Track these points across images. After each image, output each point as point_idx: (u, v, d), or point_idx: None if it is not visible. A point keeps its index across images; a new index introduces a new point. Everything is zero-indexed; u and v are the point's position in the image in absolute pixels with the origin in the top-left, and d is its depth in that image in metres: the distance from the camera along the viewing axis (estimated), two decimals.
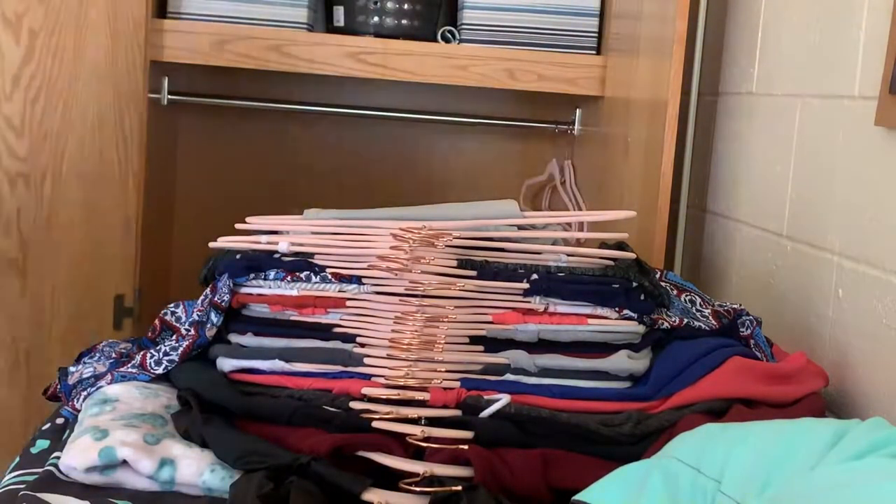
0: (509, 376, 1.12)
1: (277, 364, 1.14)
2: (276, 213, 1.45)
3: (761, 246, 1.53)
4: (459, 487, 0.99)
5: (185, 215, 2.37)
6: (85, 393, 1.19)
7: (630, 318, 1.14)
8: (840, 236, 1.29)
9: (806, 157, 1.41)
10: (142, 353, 1.23)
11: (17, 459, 1.16)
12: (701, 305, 1.26)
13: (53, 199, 1.90)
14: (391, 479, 1.02)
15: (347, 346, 1.14)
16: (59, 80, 1.88)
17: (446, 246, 1.13)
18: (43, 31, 1.86)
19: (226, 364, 1.17)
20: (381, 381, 1.11)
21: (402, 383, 1.10)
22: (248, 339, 1.19)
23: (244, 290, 1.18)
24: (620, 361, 1.13)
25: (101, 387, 1.19)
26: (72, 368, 1.27)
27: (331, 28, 2.16)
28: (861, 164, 1.25)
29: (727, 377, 1.14)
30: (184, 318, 1.27)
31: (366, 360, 1.12)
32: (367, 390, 1.10)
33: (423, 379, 1.10)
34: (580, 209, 2.16)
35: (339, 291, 1.15)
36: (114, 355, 1.32)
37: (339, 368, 1.13)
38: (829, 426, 0.90)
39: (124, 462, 1.04)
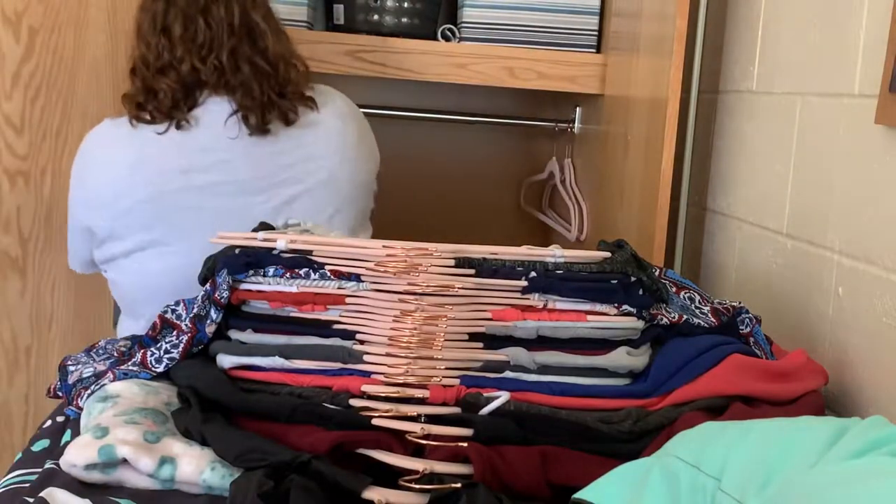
0: (509, 373, 1.12)
1: (277, 361, 1.14)
2: None
3: (761, 244, 1.53)
4: (459, 485, 0.99)
5: None
6: (88, 392, 1.19)
7: (629, 314, 1.14)
8: (840, 234, 1.29)
9: (806, 155, 1.41)
10: (142, 351, 1.23)
11: (18, 458, 1.16)
12: (700, 303, 1.26)
13: (53, 196, 1.90)
14: (391, 477, 1.02)
15: (347, 344, 1.14)
16: (59, 79, 1.88)
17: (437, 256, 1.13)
18: (43, 29, 1.86)
19: (225, 360, 1.17)
20: (381, 378, 1.11)
21: (401, 381, 1.10)
22: (248, 336, 1.19)
23: (243, 286, 1.18)
24: (620, 358, 1.13)
25: (103, 385, 1.19)
26: (71, 367, 1.27)
27: (331, 26, 2.16)
28: (861, 163, 1.25)
29: (727, 374, 1.14)
30: (184, 316, 1.27)
31: (365, 358, 1.12)
32: (366, 388, 1.10)
33: (422, 376, 1.10)
34: (580, 207, 2.16)
35: (339, 288, 1.15)
36: (115, 354, 1.32)
37: (339, 365, 1.13)
38: (829, 424, 0.90)
39: (125, 460, 1.04)
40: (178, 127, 1.51)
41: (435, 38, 2.07)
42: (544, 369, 1.12)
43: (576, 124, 2.25)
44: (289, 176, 1.55)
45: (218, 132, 1.52)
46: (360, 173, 1.63)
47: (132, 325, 1.61)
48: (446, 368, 1.11)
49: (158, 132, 1.51)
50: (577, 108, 2.24)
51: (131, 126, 1.52)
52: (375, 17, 2.08)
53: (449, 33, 2.08)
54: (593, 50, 2.07)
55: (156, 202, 1.51)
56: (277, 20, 1.62)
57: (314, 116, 1.59)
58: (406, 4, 2.09)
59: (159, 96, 1.51)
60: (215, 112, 1.53)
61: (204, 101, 1.53)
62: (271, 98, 1.53)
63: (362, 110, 1.71)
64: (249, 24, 1.56)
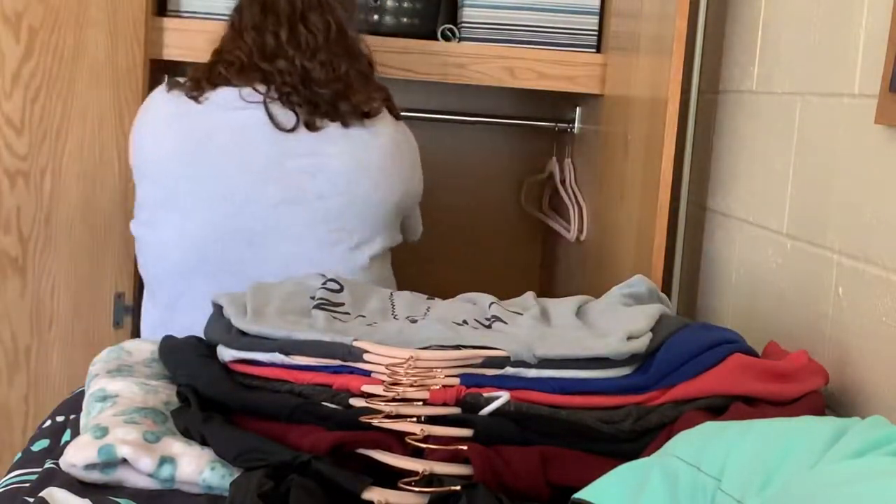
0: (509, 370, 1.12)
1: (277, 357, 1.14)
2: None
3: (761, 244, 1.53)
4: (458, 487, 0.99)
5: None
6: None
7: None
8: (840, 234, 1.29)
9: (806, 155, 1.41)
10: None
11: (18, 458, 1.16)
12: None
13: (53, 197, 1.90)
14: (391, 477, 1.02)
15: (347, 340, 1.14)
16: (59, 79, 1.88)
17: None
18: (42, 29, 1.86)
19: (226, 354, 1.17)
20: (380, 377, 1.11)
21: (401, 381, 1.10)
22: (249, 326, 1.18)
23: None
24: (620, 345, 1.13)
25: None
26: None
27: None
28: (861, 163, 1.25)
29: (728, 373, 1.14)
30: None
31: (365, 357, 1.12)
32: (366, 387, 1.10)
33: (422, 376, 1.10)
34: (580, 207, 2.16)
35: None
36: None
37: (339, 362, 1.13)
38: (829, 424, 0.90)
39: (124, 460, 1.04)
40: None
41: (435, 38, 2.07)
42: (544, 363, 1.12)
43: (576, 124, 2.24)
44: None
45: None
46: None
47: (151, 309, 1.68)
48: (447, 368, 1.11)
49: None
50: (577, 108, 2.23)
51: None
52: (375, 17, 2.08)
53: (449, 33, 2.08)
54: (593, 50, 2.07)
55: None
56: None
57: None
58: (406, 4, 2.09)
59: None
60: None
61: None
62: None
63: None
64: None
